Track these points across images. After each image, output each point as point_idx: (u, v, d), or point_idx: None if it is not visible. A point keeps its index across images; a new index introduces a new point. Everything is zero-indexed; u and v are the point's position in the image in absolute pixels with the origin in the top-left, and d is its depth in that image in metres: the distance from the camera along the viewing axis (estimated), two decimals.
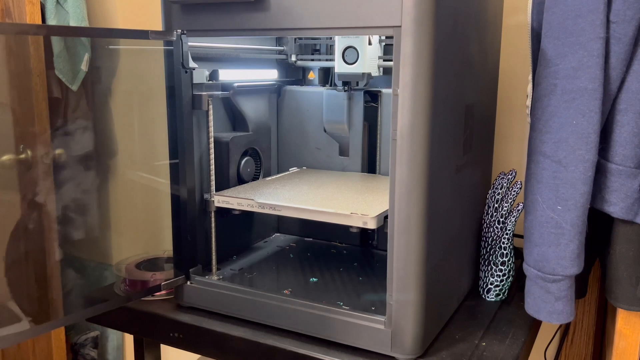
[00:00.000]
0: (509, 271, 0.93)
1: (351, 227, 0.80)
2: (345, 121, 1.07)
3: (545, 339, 1.19)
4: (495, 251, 0.92)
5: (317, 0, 0.71)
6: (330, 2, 0.70)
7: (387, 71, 1.01)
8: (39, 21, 1.38)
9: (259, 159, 1.07)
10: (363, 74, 0.96)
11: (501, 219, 0.91)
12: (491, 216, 0.92)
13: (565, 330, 1.19)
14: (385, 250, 0.73)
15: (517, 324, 0.86)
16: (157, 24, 0.83)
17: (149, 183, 1.48)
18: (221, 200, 0.89)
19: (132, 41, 1.49)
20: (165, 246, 1.03)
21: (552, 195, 0.77)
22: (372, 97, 1.06)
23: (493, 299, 0.93)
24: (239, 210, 0.89)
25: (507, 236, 0.91)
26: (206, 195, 0.90)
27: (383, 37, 1.00)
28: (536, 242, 0.80)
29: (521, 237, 0.85)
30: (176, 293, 0.90)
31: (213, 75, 0.91)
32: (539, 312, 0.82)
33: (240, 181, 1.01)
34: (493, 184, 0.94)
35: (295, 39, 1.10)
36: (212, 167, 0.91)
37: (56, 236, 1.44)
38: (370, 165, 1.11)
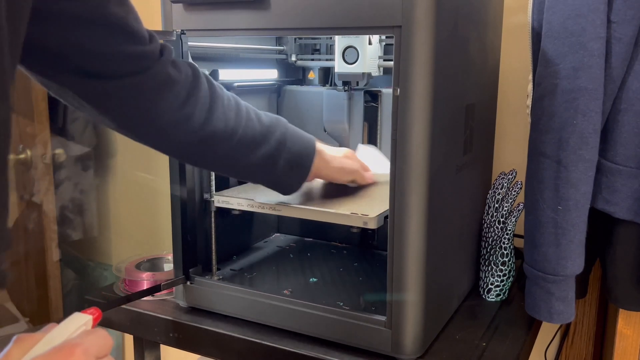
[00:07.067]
0: (510, 271, 0.92)
1: (351, 227, 0.80)
2: (345, 121, 1.07)
3: (545, 339, 1.19)
4: (495, 251, 0.92)
5: (317, 0, 0.71)
6: (330, 2, 0.70)
7: (387, 71, 1.01)
8: None
9: None
10: (363, 73, 0.96)
11: (501, 219, 0.91)
12: (491, 216, 0.92)
13: (565, 330, 1.19)
14: (385, 250, 0.73)
15: (518, 324, 0.86)
16: (157, 24, 0.83)
17: (149, 183, 1.48)
18: (221, 200, 0.89)
19: None
20: (165, 246, 1.03)
21: (553, 196, 0.77)
22: (372, 97, 1.06)
23: (493, 299, 0.93)
24: (239, 210, 0.89)
25: (507, 236, 0.90)
26: (206, 195, 0.90)
27: (383, 37, 0.99)
28: (537, 242, 0.80)
29: (522, 237, 0.85)
30: (176, 293, 0.90)
31: (213, 75, 0.91)
32: (539, 312, 0.82)
33: (241, 181, 1.01)
34: (493, 184, 0.94)
35: (295, 38, 1.10)
36: None
37: (55, 236, 1.44)
38: None
